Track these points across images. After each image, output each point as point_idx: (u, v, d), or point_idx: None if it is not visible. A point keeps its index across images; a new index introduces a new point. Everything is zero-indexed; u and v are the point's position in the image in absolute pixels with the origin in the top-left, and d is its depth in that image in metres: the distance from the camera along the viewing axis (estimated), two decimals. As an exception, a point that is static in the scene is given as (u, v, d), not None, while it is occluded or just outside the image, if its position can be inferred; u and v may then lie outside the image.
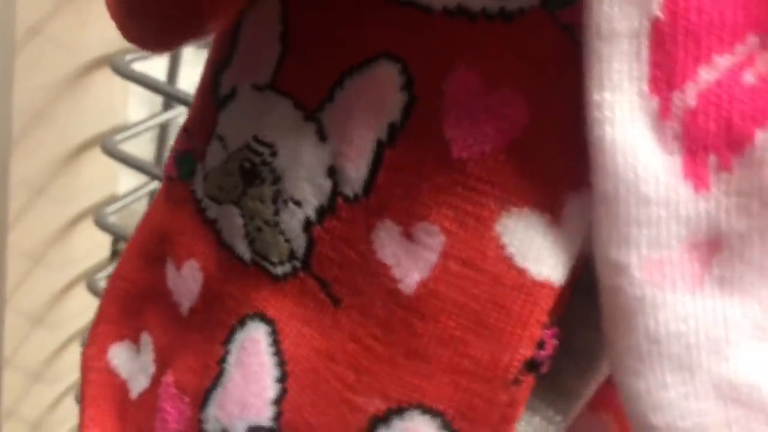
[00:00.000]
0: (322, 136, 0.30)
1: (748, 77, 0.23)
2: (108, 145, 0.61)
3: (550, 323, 0.27)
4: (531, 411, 0.29)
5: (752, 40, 0.22)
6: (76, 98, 0.60)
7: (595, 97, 0.23)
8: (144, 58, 0.61)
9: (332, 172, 0.30)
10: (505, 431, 0.28)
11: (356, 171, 0.29)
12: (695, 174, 0.23)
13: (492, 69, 0.27)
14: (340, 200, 0.30)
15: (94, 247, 0.70)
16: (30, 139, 0.58)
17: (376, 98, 0.29)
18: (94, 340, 0.39)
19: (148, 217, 0.39)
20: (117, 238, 0.70)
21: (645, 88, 0.23)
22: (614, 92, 0.23)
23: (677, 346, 0.24)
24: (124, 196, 0.68)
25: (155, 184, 0.67)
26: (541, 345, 0.27)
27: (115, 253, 0.73)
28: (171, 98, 0.64)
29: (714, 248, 0.24)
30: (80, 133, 0.62)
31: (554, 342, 0.28)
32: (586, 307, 0.27)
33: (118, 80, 0.61)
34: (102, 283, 0.69)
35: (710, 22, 0.22)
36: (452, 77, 0.27)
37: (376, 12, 0.29)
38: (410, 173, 0.28)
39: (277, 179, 0.32)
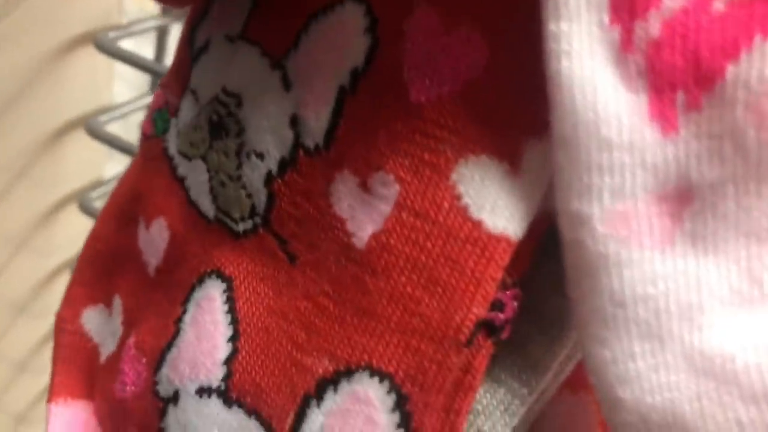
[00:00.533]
0: (286, 85, 0.29)
1: (717, 4, 0.21)
2: (92, 126, 0.59)
3: (511, 284, 0.26)
4: (494, 382, 0.27)
5: None
6: (58, 77, 0.58)
7: (551, 27, 0.22)
8: (130, 35, 0.58)
9: (294, 122, 0.29)
10: (461, 400, 0.26)
11: (317, 120, 0.29)
12: (662, 115, 0.21)
13: (451, 6, 0.25)
14: (301, 152, 0.29)
15: (78, 233, 0.69)
16: (9, 119, 0.56)
17: (340, 42, 0.28)
18: (69, 302, 0.39)
19: (124, 177, 0.38)
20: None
21: (605, 17, 0.21)
22: (571, 22, 0.22)
23: (645, 311, 0.22)
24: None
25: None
26: (499, 306, 0.26)
27: None
28: (158, 77, 0.61)
29: (685, 200, 0.22)
30: (63, 113, 0.60)
31: (514, 304, 0.26)
32: (557, 271, 0.25)
33: (102, 59, 0.59)
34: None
35: None
36: (413, 17, 0.26)
37: None
38: (371, 121, 0.27)
39: (241, 131, 0.31)
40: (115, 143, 0.61)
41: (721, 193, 0.21)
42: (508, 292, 0.26)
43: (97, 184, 0.66)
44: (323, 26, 0.29)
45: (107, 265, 0.38)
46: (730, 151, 0.21)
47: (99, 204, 0.64)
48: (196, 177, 0.33)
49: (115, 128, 0.62)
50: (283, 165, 0.30)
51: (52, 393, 0.39)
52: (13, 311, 0.66)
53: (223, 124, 0.32)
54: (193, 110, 0.33)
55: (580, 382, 0.31)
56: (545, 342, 0.28)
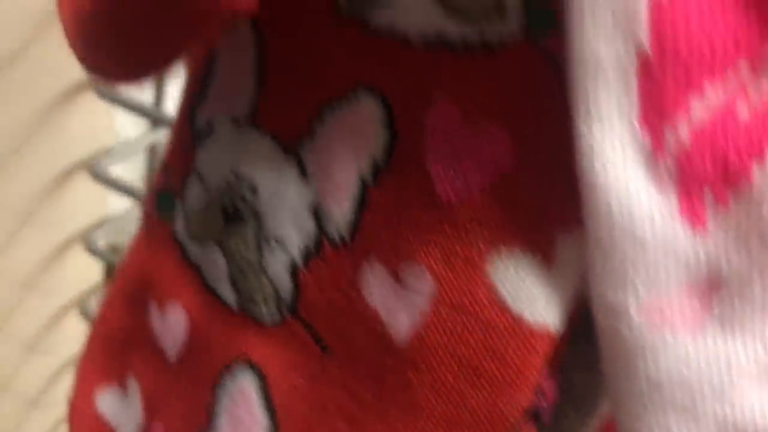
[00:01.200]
0: (303, 173, 0.29)
1: (742, 111, 0.22)
2: (96, 169, 0.61)
3: (550, 370, 0.26)
4: None
5: (743, 65, 0.21)
6: (61, 122, 0.59)
7: (583, 129, 0.22)
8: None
9: (315, 211, 0.29)
10: None
11: (340, 211, 0.29)
12: (691, 212, 0.22)
13: (474, 102, 0.26)
14: (325, 243, 0.29)
15: (85, 272, 0.70)
16: (14, 165, 0.57)
17: (357, 134, 0.28)
18: (81, 381, 0.39)
19: (129, 258, 0.38)
20: (108, 262, 0.69)
21: (635, 122, 0.22)
22: (603, 127, 0.22)
23: (680, 392, 0.23)
24: (113, 219, 0.67)
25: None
26: (540, 393, 0.26)
27: (108, 275, 0.72)
28: (158, 120, 0.63)
29: (713, 288, 0.23)
30: (66, 157, 0.61)
31: (554, 390, 0.27)
32: (586, 349, 0.26)
33: (103, 102, 0.60)
34: (94, 308, 0.68)
35: (699, 48, 0.21)
36: (433, 111, 0.26)
37: (353, 43, 0.28)
38: (396, 212, 0.27)
39: (258, 219, 0.31)
40: (117, 185, 0.62)
41: (747, 281, 0.22)
42: (547, 380, 0.26)
43: (102, 223, 0.68)
44: (338, 116, 0.28)
45: (118, 348, 0.38)
46: (756, 243, 0.22)
47: (103, 243, 0.66)
48: (212, 263, 0.33)
49: (117, 167, 0.63)
50: (308, 255, 0.30)
51: None
52: (23, 349, 0.68)
53: (238, 211, 0.31)
54: (201, 194, 0.33)
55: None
56: (578, 417, 0.29)
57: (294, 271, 0.30)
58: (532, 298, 0.25)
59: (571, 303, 0.25)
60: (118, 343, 0.37)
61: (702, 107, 0.22)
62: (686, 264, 0.22)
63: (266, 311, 0.31)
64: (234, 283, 0.32)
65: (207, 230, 0.33)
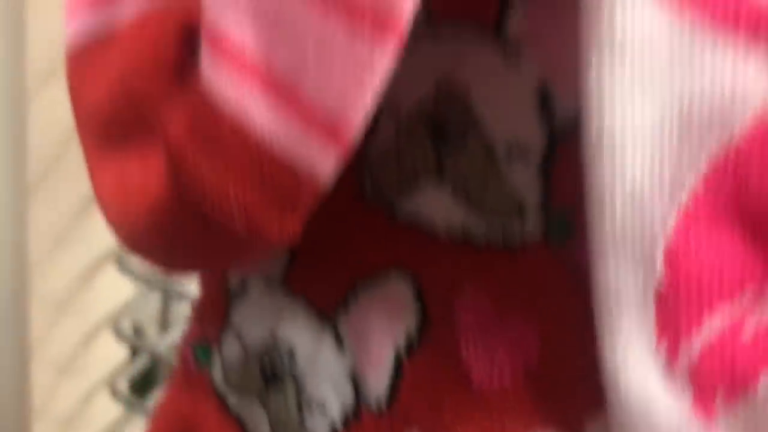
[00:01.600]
0: (339, 342, 0.30)
1: (749, 328, 0.23)
2: (122, 262, 0.66)
3: None
4: None
5: (749, 292, 0.23)
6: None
7: (607, 347, 0.24)
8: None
9: (353, 378, 0.30)
10: None
11: (377, 381, 0.29)
12: (704, 410, 0.24)
13: (501, 296, 0.27)
14: (363, 409, 0.30)
15: (113, 354, 0.75)
16: (48, 259, 0.62)
17: (391, 311, 0.29)
18: None
19: (166, 404, 0.38)
20: (134, 346, 0.74)
21: (653, 340, 0.24)
22: (625, 346, 0.24)
23: None
24: (136, 302, 0.72)
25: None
26: None
27: (134, 353, 0.77)
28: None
29: None
30: (95, 251, 0.67)
31: None
32: None
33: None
34: (122, 387, 0.73)
35: (711, 277, 0.23)
36: (464, 301, 0.27)
37: (380, 228, 0.29)
38: (432, 389, 0.28)
39: (297, 381, 0.31)
40: (142, 277, 0.67)
41: None
42: None
43: (127, 308, 0.73)
44: (372, 293, 0.29)
45: None
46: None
47: (129, 328, 0.71)
48: (254, 417, 0.33)
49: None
50: (347, 419, 0.30)
51: None
52: (58, 427, 0.72)
53: (277, 373, 0.32)
54: (239, 350, 0.33)
55: None
56: None
57: None
58: None
59: None
60: None
61: (712, 326, 0.23)
62: None
63: None
64: None
65: (246, 386, 0.33)
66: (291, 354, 0.31)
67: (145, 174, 0.27)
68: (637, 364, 0.24)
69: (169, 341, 0.71)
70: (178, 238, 0.27)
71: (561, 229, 0.26)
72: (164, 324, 0.75)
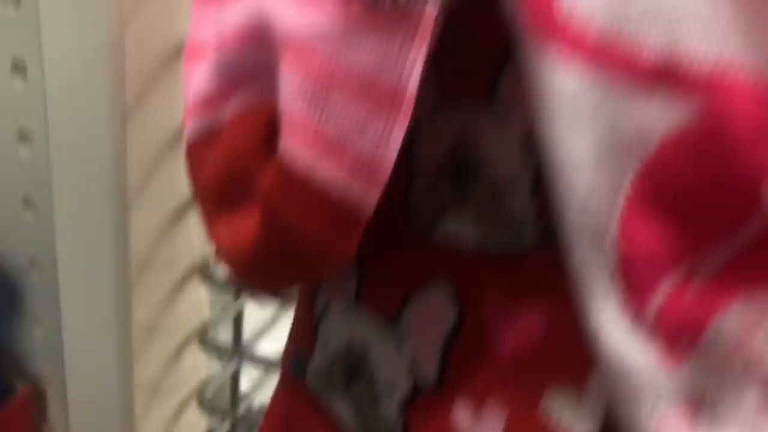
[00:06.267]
0: (400, 340, 0.39)
1: (695, 284, 0.30)
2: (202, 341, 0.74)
3: None
4: None
5: (690, 259, 0.30)
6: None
7: (586, 312, 0.31)
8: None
9: (412, 368, 0.38)
10: None
11: (430, 365, 0.38)
12: (671, 357, 0.30)
13: (514, 289, 0.35)
14: (423, 387, 0.38)
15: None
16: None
17: (435, 311, 0.38)
18: None
19: (272, 408, 0.47)
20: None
21: (620, 306, 0.30)
22: (599, 309, 0.31)
23: None
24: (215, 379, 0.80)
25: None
26: None
27: None
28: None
29: (698, 402, 0.31)
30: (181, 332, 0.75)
31: None
32: None
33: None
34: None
35: (657, 255, 0.30)
36: (487, 295, 0.36)
37: (424, 249, 0.38)
38: (472, 364, 0.37)
39: (371, 375, 0.40)
40: (218, 348, 0.76)
41: (722, 389, 0.30)
42: None
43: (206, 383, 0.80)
44: (421, 300, 0.38)
45: None
46: (719, 370, 0.30)
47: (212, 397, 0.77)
48: (340, 409, 0.42)
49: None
50: (410, 398, 0.39)
51: None
52: None
53: (355, 371, 0.41)
54: (326, 359, 0.42)
55: None
56: None
57: (402, 411, 0.39)
58: (576, 417, 0.34)
59: (602, 416, 0.34)
60: None
61: (663, 291, 0.30)
62: (674, 393, 0.30)
63: None
64: (359, 424, 0.41)
65: (333, 385, 0.42)
66: (364, 353, 0.41)
67: (246, 224, 0.37)
68: (611, 327, 0.31)
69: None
70: (270, 266, 0.37)
71: (550, 237, 0.34)
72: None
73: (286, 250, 0.36)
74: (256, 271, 0.39)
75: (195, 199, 0.41)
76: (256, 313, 0.82)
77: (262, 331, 0.82)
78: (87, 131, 0.62)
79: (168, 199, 0.69)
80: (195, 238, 0.71)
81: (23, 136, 0.65)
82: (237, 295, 0.78)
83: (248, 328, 0.84)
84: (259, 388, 0.83)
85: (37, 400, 0.74)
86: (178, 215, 0.69)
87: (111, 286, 0.66)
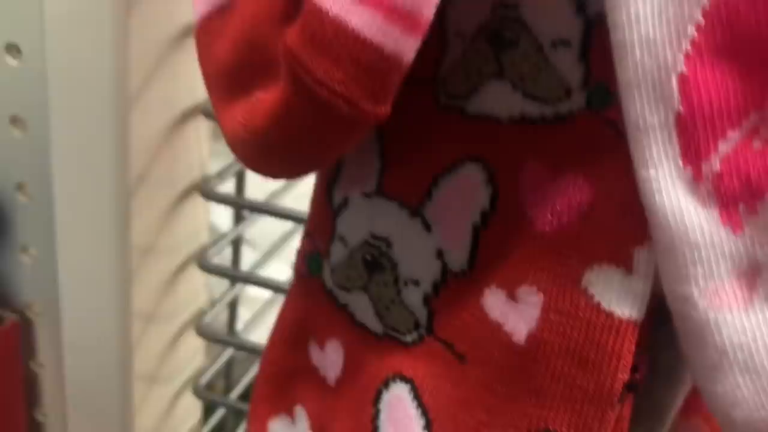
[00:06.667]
0: (426, 228, 0.36)
1: (756, 144, 0.28)
2: (202, 261, 0.71)
3: (640, 351, 0.32)
4: (635, 424, 0.34)
5: (753, 115, 0.28)
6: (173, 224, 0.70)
7: (642, 173, 0.29)
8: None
9: (440, 255, 0.36)
10: None
11: (459, 251, 0.35)
12: (730, 220, 0.28)
13: (556, 159, 0.33)
14: (450, 276, 0.36)
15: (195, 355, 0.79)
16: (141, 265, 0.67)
17: (467, 193, 0.35)
18: (255, 417, 0.45)
19: (285, 311, 0.45)
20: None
21: (679, 162, 0.29)
22: (656, 169, 0.29)
23: (742, 354, 0.28)
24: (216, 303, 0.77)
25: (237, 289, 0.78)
26: (635, 369, 0.32)
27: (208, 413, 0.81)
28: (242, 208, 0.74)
29: (755, 273, 0.29)
30: (180, 253, 0.73)
31: (645, 365, 0.33)
32: (666, 333, 0.32)
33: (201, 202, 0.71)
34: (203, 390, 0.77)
35: (720, 108, 0.28)
36: (525, 170, 0.33)
37: (454, 126, 0.35)
38: (505, 247, 0.34)
39: (395, 266, 0.38)
40: (220, 271, 0.73)
41: None
42: (639, 358, 0.32)
43: (206, 309, 0.77)
44: (450, 182, 0.35)
45: (283, 383, 0.44)
46: None
47: (210, 323, 0.75)
48: (359, 304, 0.39)
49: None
50: (436, 287, 0.36)
51: None
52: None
53: (377, 262, 0.38)
54: (343, 253, 0.39)
55: (690, 408, 0.37)
56: (666, 387, 0.35)
57: (427, 302, 0.37)
58: (619, 299, 0.32)
59: (649, 298, 0.32)
60: (283, 379, 0.44)
61: (726, 146, 0.28)
62: (731, 258, 0.29)
63: (409, 335, 0.37)
64: (380, 317, 0.38)
65: (352, 279, 0.39)
66: (387, 243, 0.38)
67: (266, 97, 0.33)
68: (668, 185, 0.29)
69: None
70: (296, 130, 0.33)
71: (601, 96, 0.31)
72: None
73: (311, 116, 0.32)
74: (274, 150, 0.35)
75: (207, 89, 0.38)
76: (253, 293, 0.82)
77: (256, 318, 0.80)
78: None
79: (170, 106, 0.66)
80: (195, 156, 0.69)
81: (10, 49, 0.62)
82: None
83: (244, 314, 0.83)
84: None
85: (26, 332, 0.71)
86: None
87: (108, 210, 0.64)
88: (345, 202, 0.40)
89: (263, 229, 0.84)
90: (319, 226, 0.42)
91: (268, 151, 0.35)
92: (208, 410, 0.82)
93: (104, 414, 0.70)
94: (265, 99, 0.33)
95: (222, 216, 0.87)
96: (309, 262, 0.43)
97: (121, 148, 0.61)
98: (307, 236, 0.43)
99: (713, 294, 0.29)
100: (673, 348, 0.33)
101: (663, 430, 0.35)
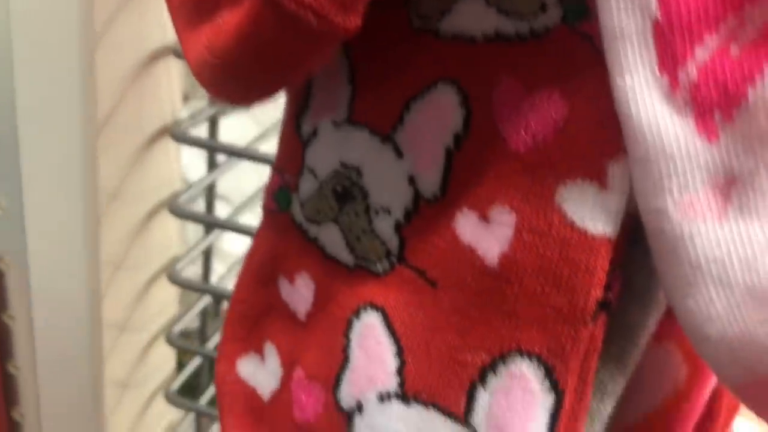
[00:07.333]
0: (398, 154, 0.35)
1: (734, 49, 0.27)
2: (174, 206, 0.70)
3: (613, 269, 0.32)
4: (608, 344, 0.34)
5: (731, 19, 0.28)
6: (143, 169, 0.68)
7: (618, 82, 0.29)
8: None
9: (412, 181, 0.35)
10: (590, 362, 0.33)
11: (432, 175, 0.35)
12: (706, 129, 0.28)
13: (530, 76, 0.32)
14: (422, 202, 0.35)
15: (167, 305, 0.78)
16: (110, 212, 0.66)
17: (439, 115, 0.34)
18: (223, 357, 0.45)
19: (255, 248, 0.44)
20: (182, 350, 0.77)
21: (656, 70, 0.28)
22: (632, 77, 0.28)
23: (716, 267, 0.28)
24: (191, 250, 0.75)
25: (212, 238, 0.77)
26: (608, 287, 0.32)
27: (180, 366, 0.80)
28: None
29: (730, 183, 0.28)
30: (150, 199, 0.71)
31: (619, 283, 0.33)
32: (640, 254, 0.32)
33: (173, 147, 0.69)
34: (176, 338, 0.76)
35: (697, 12, 0.28)
36: (499, 89, 0.33)
37: (427, 48, 0.34)
38: (478, 169, 0.33)
39: (365, 195, 0.37)
40: (195, 217, 0.72)
41: (756, 174, 0.27)
42: (613, 276, 0.32)
43: (181, 256, 0.76)
44: (423, 105, 0.34)
45: (253, 321, 0.44)
46: (758, 145, 0.27)
47: (184, 272, 0.74)
48: (329, 236, 0.38)
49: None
50: (408, 214, 0.35)
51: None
52: (118, 387, 0.73)
53: (348, 192, 0.37)
54: (313, 185, 0.39)
55: (663, 333, 0.36)
56: (640, 308, 0.35)
57: (399, 229, 0.36)
58: (593, 215, 0.31)
59: (623, 216, 0.31)
60: (253, 317, 0.44)
61: (704, 52, 0.28)
62: (706, 168, 0.28)
63: (380, 264, 0.37)
64: (351, 248, 0.38)
65: (323, 211, 0.38)
66: (358, 172, 0.37)
67: (232, 13, 0.32)
68: (644, 93, 0.28)
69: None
70: (263, 47, 0.32)
71: (577, 10, 0.31)
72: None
73: (278, 31, 0.31)
74: (240, 71, 0.34)
75: (172, 20, 0.37)
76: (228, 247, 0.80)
77: (231, 271, 0.79)
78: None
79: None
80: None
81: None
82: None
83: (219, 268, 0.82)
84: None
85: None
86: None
87: (74, 154, 0.62)
88: (314, 133, 0.39)
89: (238, 183, 0.82)
90: (288, 160, 0.41)
91: (234, 72, 0.34)
92: (183, 363, 0.81)
93: (74, 363, 0.68)
94: (231, 20, 0.32)
95: (196, 167, 0.85)
96: (278, 198, 0.42)
97: (87, 89, 0.59)
98: (276, 172, 0.42)
99: (688, 206, 0.28)
100: (647, 268, 0.32)
101: (635, 351, 0.35)
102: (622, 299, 0.34)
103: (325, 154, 0.38)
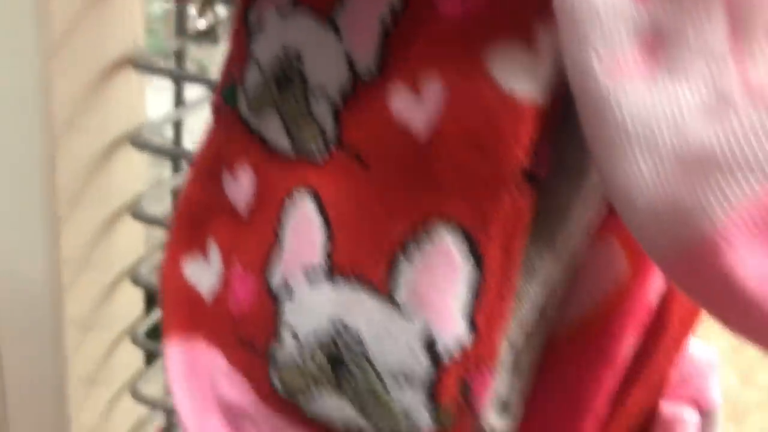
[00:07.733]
0: (338, 35, 0.35)
1: None
2: (136, 140, 0.68)
3: (543, 141, 0.31)
4: (537, 225, 0.33)
5: None
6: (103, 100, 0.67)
7: None
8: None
9: (349, 61, 0.35)
10: (516, 238, 0.32)
11: (368, 54, 0.34)
12: None
13: None
14: (359, 82, 0.35)
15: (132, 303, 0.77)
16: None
17: None
18: (168, 256, 0.44)
19: (204, 144, 0.44)
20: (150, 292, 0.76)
21: None
22: None
23: (642, 129, 0.27)
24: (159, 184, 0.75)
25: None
26: (535, 158, 0.31)
27: (149, 307, 0.78)
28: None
29: (657, 41, 0.27)
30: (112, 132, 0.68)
31: (547, 156, 0.32)
32: (574, 133, 0.31)
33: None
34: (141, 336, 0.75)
35: None
36: None
37: None
38: (412, 41, 0.33)
39: (304, 78, 0.37)
40: (159, 150, 0.70)
41: (683, 31, 0.27)
42: (540, 146, 0.31)
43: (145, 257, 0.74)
44: None
45: (198, 220, 0.43)
46: (688, 3, 0.27)
47: (148, 276, 0.72)
48: (271, 126, 0.38)
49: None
50: (345, 95, 0.35)
51: (166, 330, 0.43)
52: (79, 328, 0.71)
53: (287, 76, 0.37)
54: (258, 75, 0.38)
55: (604, 227, 0.36)
56: (572, 188, 0.34)
57: (335, 111, 0.36)
58: (521, 78, 0.31)
59: (552, 79, 0.31)
60: (198, 215, 0.43)
61: None
62: (633, 24, 0.27)
63: (317, 149, 0.37)
64: (289, 134, 0.38)
65: (264, 100, 0.38)
66: (299, 57, 0.37)
67: None
68: None
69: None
70: None
71: None
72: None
73: None
74: None
75: None
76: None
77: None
78: None
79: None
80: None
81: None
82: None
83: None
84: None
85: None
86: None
87: (33, 155, 0.63)
88: (260, 24, 0.39)
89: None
90: (236, 55, 0.41)
91: None
92: (151, 303, 0.80)
93: (38, 361, 0.69)
94: None
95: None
96: (225, 94, 0.42)
97: (46, 100, 0.60)
98: (225, 73, 0.42)
99: (614, 65, 0.27)
100: (579, 146, 0.32)
101: (565, 232, 0.34)
102: (553, 180, 0.33)
103: (269, 44, 0.38)
